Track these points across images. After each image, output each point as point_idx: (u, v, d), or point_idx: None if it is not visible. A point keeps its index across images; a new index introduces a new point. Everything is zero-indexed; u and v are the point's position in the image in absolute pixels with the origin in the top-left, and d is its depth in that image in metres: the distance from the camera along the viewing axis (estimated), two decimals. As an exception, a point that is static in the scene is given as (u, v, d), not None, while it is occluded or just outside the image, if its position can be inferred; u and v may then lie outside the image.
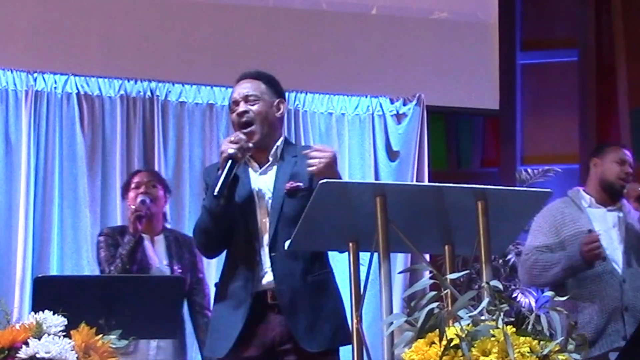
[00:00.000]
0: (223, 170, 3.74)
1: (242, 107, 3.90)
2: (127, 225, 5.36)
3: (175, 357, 5.27)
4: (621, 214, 5.11)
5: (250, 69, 4.07)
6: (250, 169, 3.93)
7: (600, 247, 4.88)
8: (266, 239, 3.86)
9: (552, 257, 5.01)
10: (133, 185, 5.38)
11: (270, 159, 3.94)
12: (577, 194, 5.15)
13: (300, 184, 3.85)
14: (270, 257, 3.84)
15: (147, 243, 5.28)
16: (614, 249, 5.03)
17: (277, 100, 3.99)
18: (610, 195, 5.13)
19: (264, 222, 3.87)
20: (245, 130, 3.86)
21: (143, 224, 5.21)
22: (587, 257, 4.87)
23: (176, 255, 5.31)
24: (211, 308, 4.28)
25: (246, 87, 3.95)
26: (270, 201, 3.88)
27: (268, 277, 3.86)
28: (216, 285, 4.04)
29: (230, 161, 3.75)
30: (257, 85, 3.96)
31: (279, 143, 3.97)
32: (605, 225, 5.07)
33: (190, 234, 5.56)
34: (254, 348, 3.86)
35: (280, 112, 4.00)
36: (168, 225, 5.56)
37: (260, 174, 3.93)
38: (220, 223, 3.84)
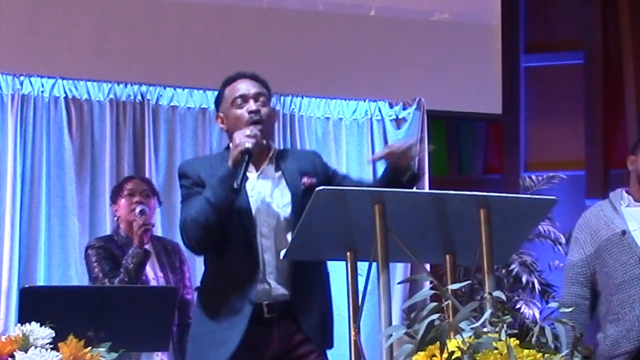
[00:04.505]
0: (241, 165, 3.71)
1: (253, 105, 3.89)
2: (113, 235, 5.33)
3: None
4: None
5: (244, 71, 4.05)
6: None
7: None
8: (268, 244, 3.81)
9: (575, 317, 4.77)
10: (126, 192, 5.33)
11: (267, 162, 3.92)
12: (617, 195, 4.99)
13: (314, 180, 3.85)
14: (277, 263, 3.79)
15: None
16: None
17: (274, 109, 4.07)
18: None
19: (267, 227, 3.82)
20: (256, 127, 3.84)
21: (149, 237, 5.18)
22: None
23: (168, 265, 5.28)
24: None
25: (255, 86, 3.96)
26: (274, 204, 3.85)
27: (267, 286, 3.80)
28: (198, 289, 3.96)
29: (246, 155, 3.73)
30: (262, 88, 3.98)
31: (274, 148, 3.99)
32: None
33: (175, 240, 5.58)
34: None
35: (275, 121, 4.13)
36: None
37: (260, 177, 3.90)
38: (223, 219, 3.76)
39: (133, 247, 5.11)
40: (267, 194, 3.86)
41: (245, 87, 3.94)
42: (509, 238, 3.38)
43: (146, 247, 5.20)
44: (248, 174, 3.83)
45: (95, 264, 5.16)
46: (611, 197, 4.97)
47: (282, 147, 6.41)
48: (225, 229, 3.78)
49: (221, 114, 3.96)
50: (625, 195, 4.93)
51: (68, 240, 6.33)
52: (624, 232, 4.81)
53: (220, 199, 3.72)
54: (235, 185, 3.66)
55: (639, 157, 4.93)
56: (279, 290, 3.79)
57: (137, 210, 5.21)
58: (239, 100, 3.90)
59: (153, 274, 5.23)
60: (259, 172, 3.90)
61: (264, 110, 3.88)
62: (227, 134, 3.98)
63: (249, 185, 3.84)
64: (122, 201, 5.30)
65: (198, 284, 4.01)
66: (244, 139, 3.73)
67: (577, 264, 4.89)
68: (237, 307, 3.78)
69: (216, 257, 3.87)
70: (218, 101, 4.01)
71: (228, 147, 3.94)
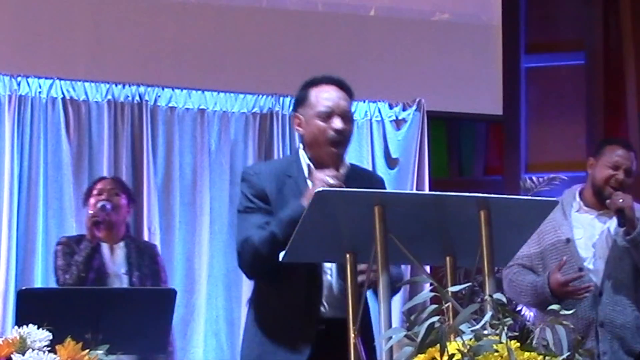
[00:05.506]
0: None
1: (339, 123, 3.72)
2: (84, 234, 5.39)
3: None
4: (614, 221, 4.76)
5: (332, 75, 3.85)
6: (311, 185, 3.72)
7: (575, 287, 4.63)
8: (329, 264, 3.68)
9: (523, 282, 4.77)
10: (95, 192, 5.45)
11: None
12: (570, 196, 4.88)
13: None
14: (338, 284, 3.67)
15: (105, 251, 5.35)
16: (596, 259, 4.74)
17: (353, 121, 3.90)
18: (600, 201, 4.79)
19: None
20: (333, 150, 3.71)
21: (101, 230, 5.29)
22: (559, 295, 4.60)
23: (136, 263, 5.36)
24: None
25: (344, 100, 3.77)
26: None
27: (326, 308, 3.69)
28: (252, 303, 3.83)
29: None
30: (350, 101, 3.80)
31: (346, 165, 3.83)
32: (590, 232, 4.78)
33: (151, 242, 5.73)
34: None
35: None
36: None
37: None
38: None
39: (85, 241, 5.26)
40: None
41: (334, 99, 3.75)
42: (509, 240, 3.36)
43: (116, 243, 5.35)
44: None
45: (58, 259, 5.31)
46: (564, 197, 4.87)
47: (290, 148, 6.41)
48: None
49: (300, 117, 3.77)
50: (578, 198, 4.84)
51: (66, 241, 6.34)
52: (568, 240, 4.73)
53: (287, 237, 3.50)
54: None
55: (598, 162, 4.81)
56: (337, 312, 3.62)
57: (99, 205, 5.32)
58: (323, 114, 3.72)
59: (117, 271, 5.32)
60: None
61: (348, 130, 3.74)
62: (300, 136, 3.84)
63: None
64: (92, 200, 5.41)
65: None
66: (325, 184, 3.54)
67: (521, 258, 4.77)
68: (298, 330, 3.67)
69: (272, 274, 3.72)
70: (300, 101, 3.81)
71: (298, 151, 3.82)
